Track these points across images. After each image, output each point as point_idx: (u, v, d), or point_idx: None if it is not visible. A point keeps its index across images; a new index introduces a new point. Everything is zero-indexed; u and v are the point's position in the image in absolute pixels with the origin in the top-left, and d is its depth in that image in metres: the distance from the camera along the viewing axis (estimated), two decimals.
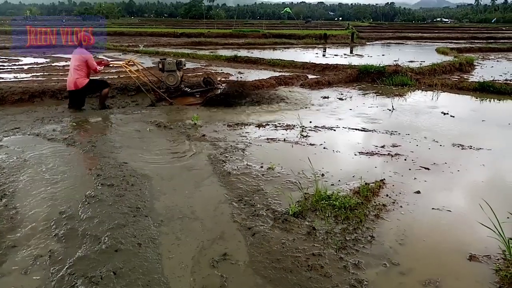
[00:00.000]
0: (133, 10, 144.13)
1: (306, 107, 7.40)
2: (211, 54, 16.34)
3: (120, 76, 9.80)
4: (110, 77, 9.79)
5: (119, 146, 4.93)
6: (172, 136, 5.43)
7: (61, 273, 2.47)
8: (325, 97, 8.31)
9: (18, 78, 9.65)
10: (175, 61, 7.75)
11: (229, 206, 3.37)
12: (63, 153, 4.65)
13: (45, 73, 10.61)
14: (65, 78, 9.56)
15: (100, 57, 15.39)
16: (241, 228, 3.01)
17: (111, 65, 8.15)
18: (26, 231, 2.95)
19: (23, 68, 11.80)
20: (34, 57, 14.95)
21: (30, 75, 10.31)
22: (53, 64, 12.86)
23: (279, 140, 5.24)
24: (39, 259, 2.62)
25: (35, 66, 12.35)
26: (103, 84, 7.18)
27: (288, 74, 10.81)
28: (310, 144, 5.09)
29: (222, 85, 8.03)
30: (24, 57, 15.03)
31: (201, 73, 10.58)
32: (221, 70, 11.76)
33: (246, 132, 5.62)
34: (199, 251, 2.73)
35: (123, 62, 7.80)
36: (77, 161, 4.44)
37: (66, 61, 13.73)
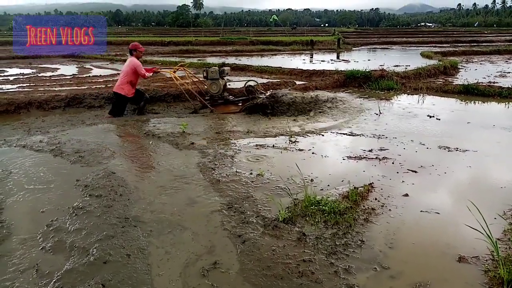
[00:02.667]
0: (121, 19, 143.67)
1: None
2: (199, 62, 16.35)
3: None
4: (97, 86, 9.73)
5: (107, 156, 4.88)
6: (161, 144, 5.40)
7: (48, 287, 2.42)
8: None
9: (3, 90, 9.52)
10: (218, 69, 7.82)
11: (219, 213, 3.36)
12: (50, 164, 4.58)
13: (31, 84, 10.50)
14: (51, 89, 9.53)
15: (87, 66, 15.33)
16: (231, 235, 3.00)
17: (159, 72, 8.28)
18: (12, 245, 2.89)
19: (9, 79, 11.66)
20: (20, 68, 14.82)
21: (16, 86, 10.19)
22: (39, 75, 12.75)
23: (267, 146, 5.25)
24: (26, 273, 2.56)
25: (21, 77, 12.22)
26: (120, 110, 7.30)
27: (276, 80, 10.86)
28: (299, 150, 5.11)
29: (266, 93, 8.03)
30: (10, 67, 14.87)
31: (189, 81, 10.57)
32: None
33: (235, 139, 5.61)
34: (189, 260, 2.70)
35: (172, 69, 8.06)
36: (64, 172, 4.38)
37: (52, 72, 13.64)
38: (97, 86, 9.73)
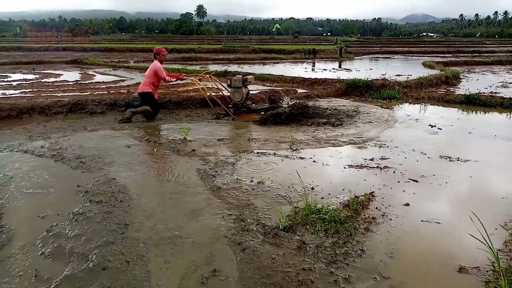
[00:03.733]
0: (124, 27, 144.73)
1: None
2: (202, 69, 16.42)
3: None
4: (100, 92, 9.78)
5: (108, 162, 4.89)
6: (162, 151, 5.41)
7: None
8: None
9: (6, 95, 9.57)
10: (241, 78, 7.89)
11: (219, 221, 3.34)
12: (51, 170, 4.60)
13: (34, 89, 10.55)
14: (54, 94, 9.58)
15: (90, 72, 15.41)
16: (231, 243, 2.99)
17: (184, 79, 8.31)
18: (11, 250, 2.89)
19: (12, 84, 11.73)
20: (23, 73, 14.90)
21: (19, 91, 10.24)
22: (42, 80, 12.81)
23: (269, 154, 5.25)
24: (24, 279, 2.56)
25: (24, 82, 12.29)
26: (146, 105, 7.49)
27: (277, 88, 10.88)
28: (300, 158, 5.10)
29: (289, 103, 7.99)
30: (13, 73, 14.96)
31: (191, 88, 10.63)
32: (211, 85, 11.80)
33: (237, 147, 5.62)
34: (188, 268, 2.69)
35: (197, 77, 8.25)
36: (65, 177, 4.39)
37: (55, 77, 13.71)
38: (100, 93, 9.78)
